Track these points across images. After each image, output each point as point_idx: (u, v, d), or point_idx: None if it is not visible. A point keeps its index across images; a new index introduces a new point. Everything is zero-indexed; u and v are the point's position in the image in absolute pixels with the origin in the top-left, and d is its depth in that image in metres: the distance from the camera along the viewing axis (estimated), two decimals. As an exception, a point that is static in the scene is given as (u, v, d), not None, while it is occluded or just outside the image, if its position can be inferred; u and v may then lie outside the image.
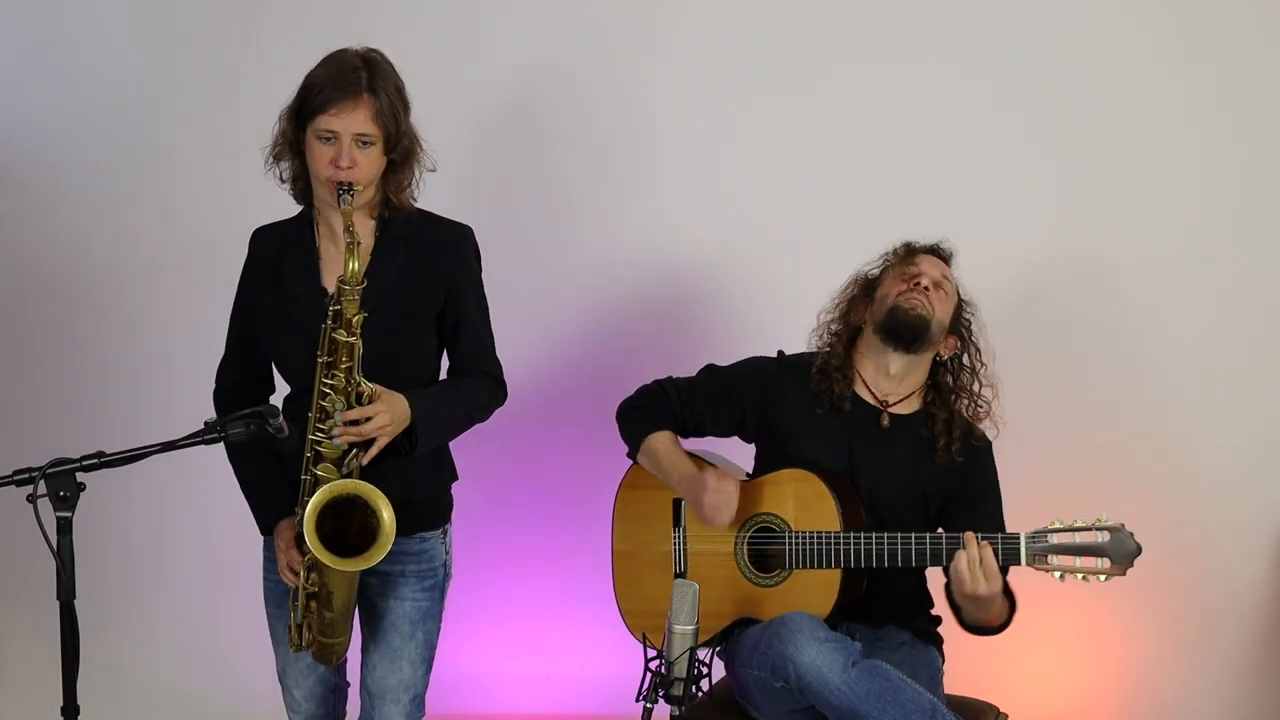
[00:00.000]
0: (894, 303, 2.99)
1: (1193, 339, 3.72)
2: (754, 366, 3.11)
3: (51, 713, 2.41)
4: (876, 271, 3.12)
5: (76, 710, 2.37)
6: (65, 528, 2.30)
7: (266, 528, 2.85)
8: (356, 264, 2.58)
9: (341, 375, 2.63)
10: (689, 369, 3.16)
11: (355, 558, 2.60)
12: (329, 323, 2.62)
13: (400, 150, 2.71)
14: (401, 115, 2.70)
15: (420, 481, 2.79)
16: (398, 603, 2.83)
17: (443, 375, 2.91)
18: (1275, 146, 3.70)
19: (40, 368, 3.99)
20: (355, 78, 2.63)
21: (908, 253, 3.08)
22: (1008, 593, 2.91)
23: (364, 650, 2.91)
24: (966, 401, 3.05)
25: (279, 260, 2.79)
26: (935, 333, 3.00)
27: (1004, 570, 2.83)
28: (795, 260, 3.78)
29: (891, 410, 3.03)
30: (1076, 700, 3.80)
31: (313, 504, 2.60)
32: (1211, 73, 3.69)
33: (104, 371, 3.97)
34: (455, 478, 2.94)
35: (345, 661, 2.99)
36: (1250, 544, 3.74)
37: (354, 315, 2.60)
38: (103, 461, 2.37)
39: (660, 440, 3.07)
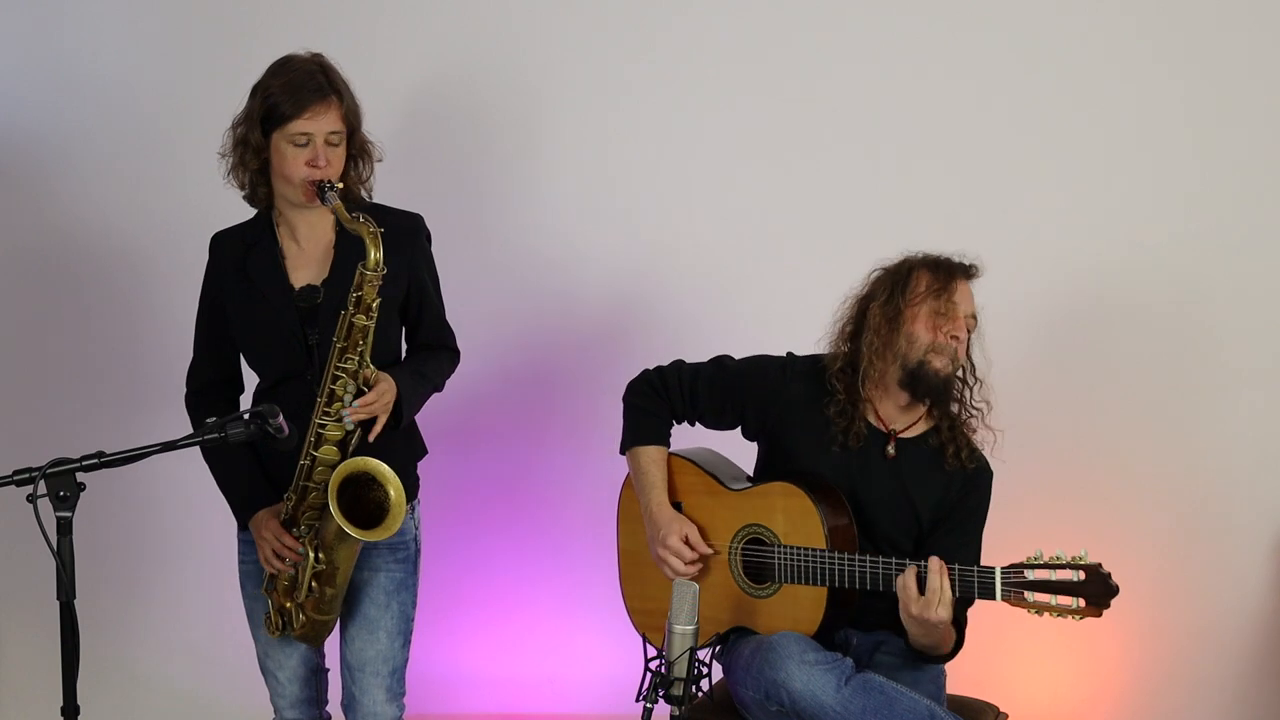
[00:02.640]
0: (926, 359, 2.87)
1: (1191, 341, 3.72)
2: (760, 370, 3.05)
3: (51, 713, 2.41)
4: (903, 273, 2.93)
5: (76, 710, 2.37)
6: (65, 528, 2.31)
7: (244, 521, 2.93)
8: (378, 252, 2.72)
9: (355, 359, 2.76)
10: (659, 358, 3.14)
11: (374, 529, 2.73)
12: (349, 309, 2.75)
13: (358, 145, 2.87)
14: (359, 111, 2.87)
15: (393, 458, 2.85)
16: (372, 574, 2.94)
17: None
18: (1275, 147, 3.69)
19: (40, 368, 3.99)
20: (318, 82, 2.79)
21: (947, 278, 2.90)
22: (958, 625, 2.86)
23: (342, 627, 2.99)
24: (960, 409, 2.98)
25: (243, 262, 2.89)
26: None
27: (968, 602, 2.79)
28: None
29: (899, 435, 2.97)
30: (1076, 700, 3.80)
31: (334, 480, 2.72)
32: (1211, 74, 3.69)
33: (105, 371, 3.97)
34: (424, 452, 3.05)
35: (323, 646, 3.04)
36: (1250, 545, 3.74)
37: (373, 300, 2.74)
38: (103, 461, 2.38)
39: (645, 457, 3.05)
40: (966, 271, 2.95)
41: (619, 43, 3.84)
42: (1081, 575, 2.60)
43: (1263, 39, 3.68)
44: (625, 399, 3.11)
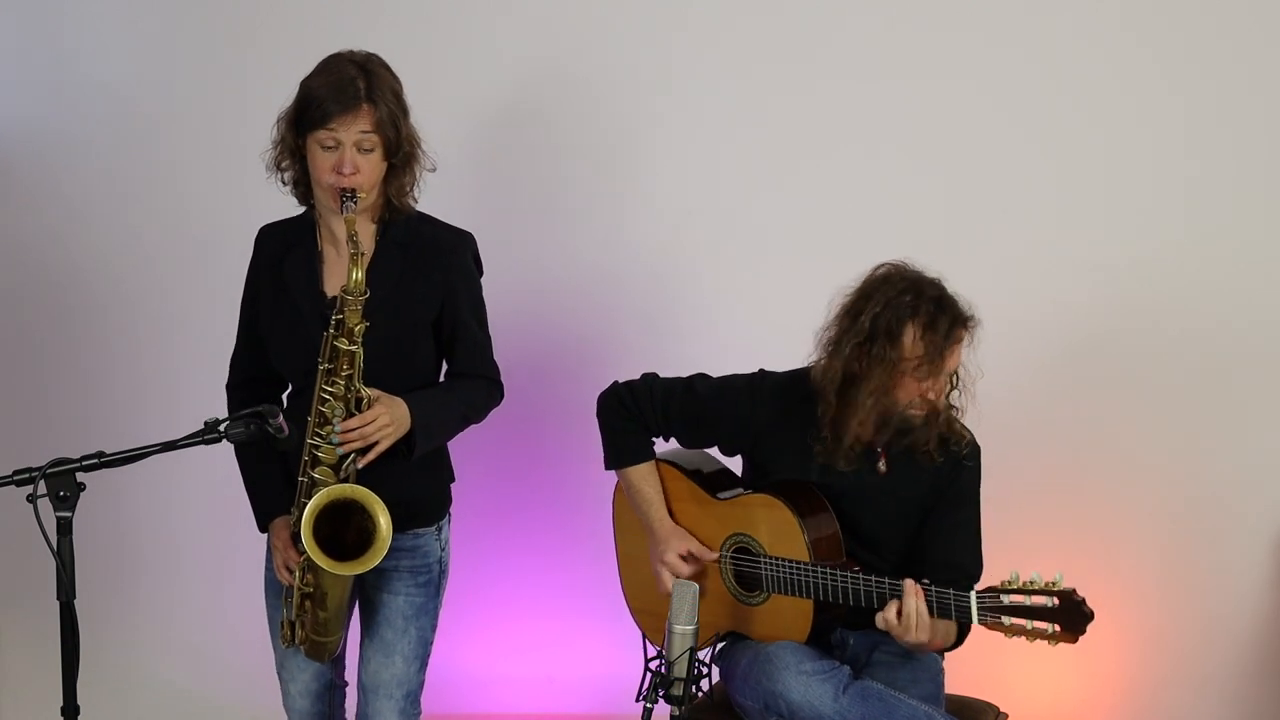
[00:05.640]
0: (905, 417, 2.83)
1: (1192, 342, 3.72)
2: (729, 395, 3.00)
3: (51, 713, 2.41)
4: (896, 326, 2.79)
5: (76, 710, 2.37)
6: (65, 528, 2.31)
7: (262, 526, 2.90)
8: (360, 274, 2.62)
9: (342, 382, 2.67)
10: (684, 370, 3.13)
11: (351, 561, 2.65)
12: (331, 331, 2.66)
13: (401, 155, 2.73)
14: (400, 120, 2.72)
15: (417, 481, 2.82)
16: (391, 597, 2.87)
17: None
18: (1273, 148, 3.69)
19: (40, 368, 3.99)
20: (353, 88, 2.65)
21: (941, 346, 2.77)
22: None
23: (360, 646, 2.94)
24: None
25: (281, 262, 2.82)
26: None
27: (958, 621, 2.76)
28: (793, 266, 3.77)
29: (885, 448, 2.94)
30: (1076, 701, 3.80)
31: (310, 509, 2.64)
32: (1213, 76, 3.68)
33: (105, 371, 3.97)
34: (452, 478, 2.97)
35: (344, 660, 3.02)
36: (1250, 547, 3.73)
37: (356, 324, 2.65)
38: (103, 461, 2.37)
39: (636, 476, 3.05)
40: (965, 325, 2.83)
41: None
42: (1055, 601, 2.58)
43: (1263, 41, 3.67)
44: (600, 417, 3.08)
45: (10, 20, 3.92)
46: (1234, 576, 3.75)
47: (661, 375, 3.09)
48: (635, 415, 3.04)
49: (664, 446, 3.13)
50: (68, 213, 3.95)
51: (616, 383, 3.08)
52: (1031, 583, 2.62)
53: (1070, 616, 2.57)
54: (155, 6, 3.90)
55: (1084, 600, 2.58)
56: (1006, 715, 3.12)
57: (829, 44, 3.77)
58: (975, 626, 2.89)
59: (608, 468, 3.09)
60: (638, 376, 3.09)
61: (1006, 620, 2.62)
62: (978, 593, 2.67)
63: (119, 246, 3.94)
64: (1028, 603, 2.60)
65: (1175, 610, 3.77)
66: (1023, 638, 2.62)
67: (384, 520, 2.64)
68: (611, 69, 3.83)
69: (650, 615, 3.06)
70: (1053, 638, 2.59)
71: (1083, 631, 2.58)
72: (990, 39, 3.73)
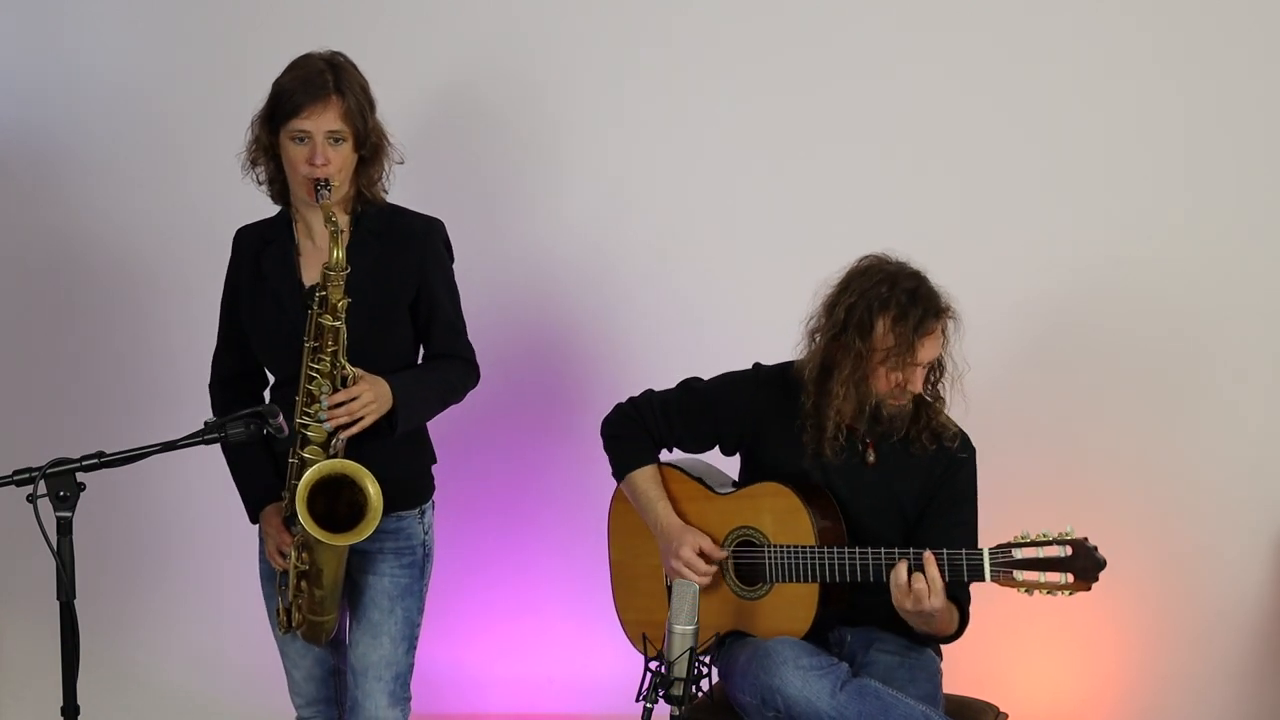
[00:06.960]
0: (881, 402, 2.86)
1: (1192, 340, 3.72)
2: (728, 389, 3.04)
3: (51, 713, 2.42)
4: (868, 317, 2.84)
5: (76, 710, 2.38)
6: (65, 528, 2.32)
7: (253, 517, 2.95)
8: (340, 251, 2.71)
9: (327, 359, 2.75)
10: (663, 363, 3.13)
11: (347, 533, 2.72)
12: (315, 308, 2.75)
13: (369, 146, 2.84)
14: (368, 113, 2.83)
15: (398, 463, 2.87)
16: (377, 578, 2.93)
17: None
18: (1273, 147, 3.69)
19: (40, 368, 3.99)
20: (322, 80, 2.77)
21: (912, 337, 2.81)
22: (961, 604, 2.88)
23: (349, 630, 2.99)
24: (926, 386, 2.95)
25: (258, 258, 2.90)
26: None
27: (964, 584, 2.80)
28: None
29: (872, 441, 2.96)
30: (1076, 700, 3.80)
31: (303, 483, 2.71)
32: (1210, 75, 3.68)
33: (105, 371, 3.98)
34: (434, 460, 3.04)
35: (345, 646, 3.04)
36: (1250, 545, 3.73)
37: (339, 300, 2.73)
38: (103, 461, 2.38)
39: (641, 479, 3.07)
40: (937, 316, 2.84)
41: (633, 43, 3.82)
42: (1068, 550, 2.63)
43: (1263, 41, 3.67)
44: (604, 432, 3.12)
45: (10, 20, 3.92)
46: (1234, 576, 3.75)
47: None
48: (639, 422, 3.08)
49: (667, 457, 3.14)
50: (67, 212, 3.95)
51: (619, 402, 3.13)
52: (1043, 536, 2.66)
53: (1084, 564, 2.62)
54: (155, 6, 3.91)
55: (1096, 547, 2.63)
56: (1006, 715, 3.12)
57: (826, 43, 3.77)
58: (970, 624, 2.93)
59: (616, 476, 3.11)
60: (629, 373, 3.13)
61: (1019, 575, 2.66)
62: (990, 549, 2.70)
63: (119, 246, 3.94)
64: (1040, 555, 2.65)
65: (1176, 609, 3.76)
66: (1037, 592, 2.66)
67: (373, 489, 2.72)
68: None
69: (641, 625, 3.04)
70: (1066, 588, 2.63)
71: (1095, 579, 2.63)
72: (990, 39, 3.73)
